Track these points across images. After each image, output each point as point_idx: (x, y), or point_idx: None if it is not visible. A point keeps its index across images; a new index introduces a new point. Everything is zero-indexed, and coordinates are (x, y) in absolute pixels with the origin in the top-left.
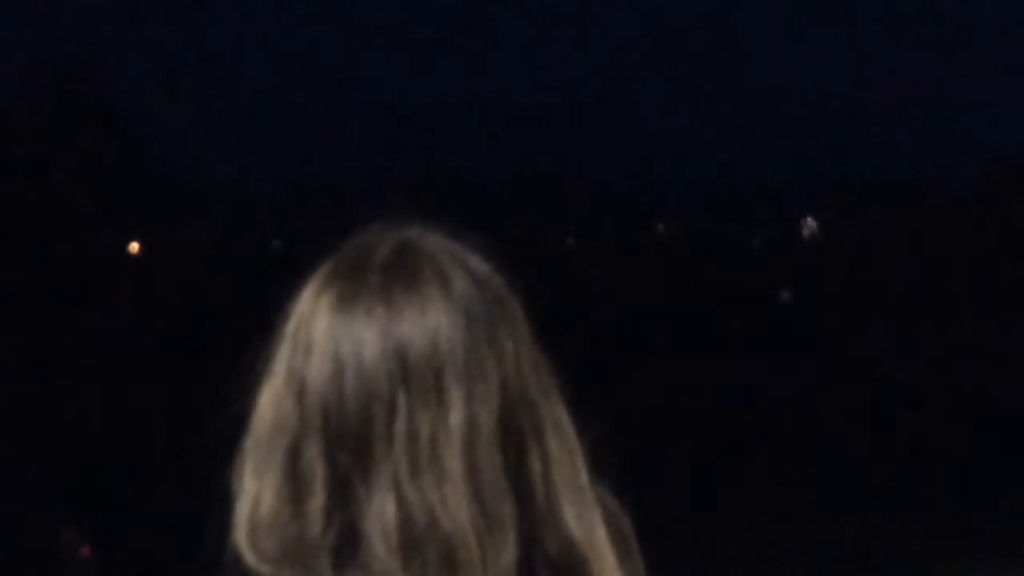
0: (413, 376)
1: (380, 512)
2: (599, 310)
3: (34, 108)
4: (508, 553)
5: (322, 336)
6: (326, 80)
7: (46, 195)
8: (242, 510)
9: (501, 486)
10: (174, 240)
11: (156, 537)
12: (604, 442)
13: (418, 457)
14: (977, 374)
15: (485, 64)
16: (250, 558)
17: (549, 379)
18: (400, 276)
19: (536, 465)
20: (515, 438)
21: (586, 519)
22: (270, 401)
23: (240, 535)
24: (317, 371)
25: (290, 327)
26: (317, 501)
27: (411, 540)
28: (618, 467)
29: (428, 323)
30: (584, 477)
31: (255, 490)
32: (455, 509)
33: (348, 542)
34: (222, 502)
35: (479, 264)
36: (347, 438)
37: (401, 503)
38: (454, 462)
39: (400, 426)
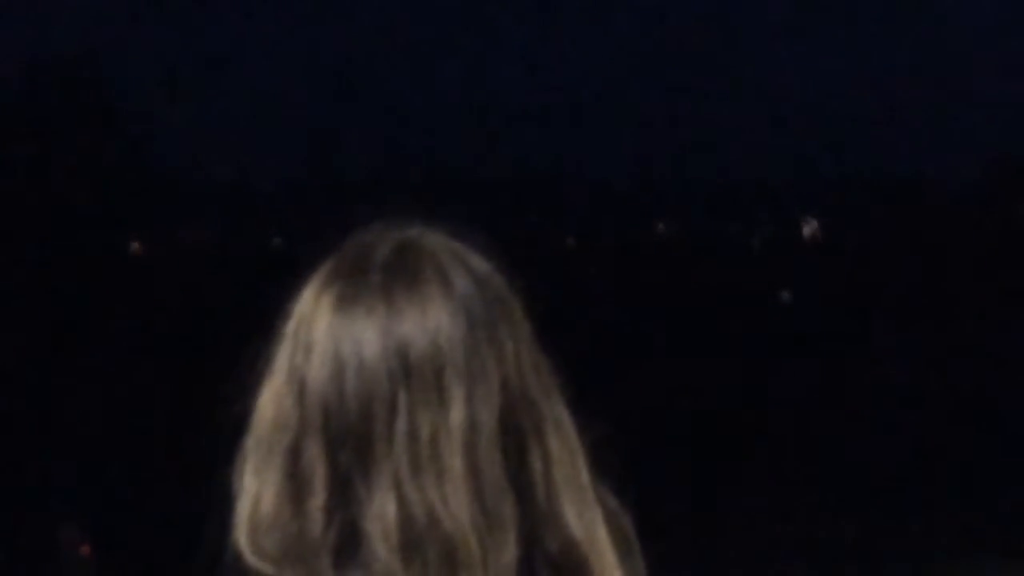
0: (414, 375)
1: (381, 511)
2: (599, 310)
3: (34, 108)
4: (509, 552)
5: (323, 335)
6: (326, 80)
7: (46, 195)
8: (243, 509)
9: (502, 485)
10: (174, 240)
11: (156, 537)
12: (604, 442)
13: (419, 456)
14: (977, 374)
15: (485, 64)
16: (251, 557)
17: (550, 378)
18: (401, 275)
19: (537, 464)
20: (516, 437)
21: (587, 518)
22: (271, 400)
23: (241, 534)
24: (318, 370)
25: (290, 326)
26: (318, 500)
27: (412, 539)
28: (618, 467)
29: (429, 322)
30: (585, 476)
31: (256, 489)
32: (456, 508)
33: (349, 541)
34: (222, 501)
35: (480, 263)
36: (348, 437)
37: (402, 502)
38: (455, 461)
39: (401, 425)
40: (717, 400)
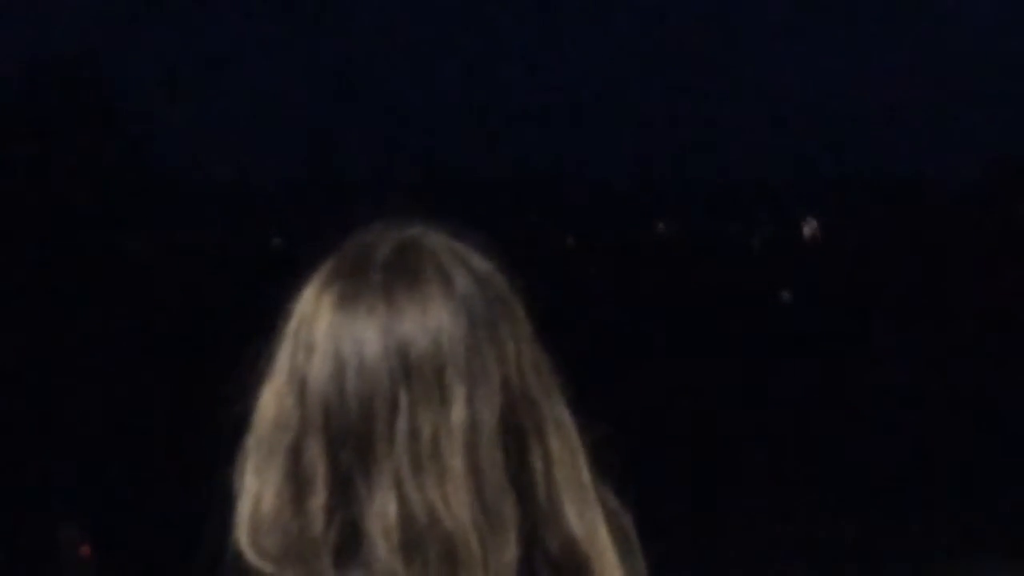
0: (415, 374)
1: (381, 510)
2: (599, 310)
3: (34, 108)
4: (509, 551)
5: (323, 335)
6: (326, 80)
7: (46, 195)
8: (243, 509)
9: (503, 485)
10: (174, 240)
11: (156, 537)
12: (605, 442)
13: (420, 455)
14: (977, 374)
15: (485, 64)
16: (251, 557)
17: (551, 378)
18: (402, 275)
19: (538, 464)
20: (517, 437)
21: (587, 518)
22: (272, 400)
23: (241, 534)
24: (318, 370)
25: (291, 326)
26: (318, 499)
27: (412, 538)
28: (619, 467)
29: (430, 322)
30: (586, 476)
31: (256, 489)
32: (456, 507)
33: (349, 540)
34: (223, 501)
35: (481, 263)
36: (348, 436)
37: (402, 501)
38: (456, 460)
39: (402, 424)
40: (717, 400)
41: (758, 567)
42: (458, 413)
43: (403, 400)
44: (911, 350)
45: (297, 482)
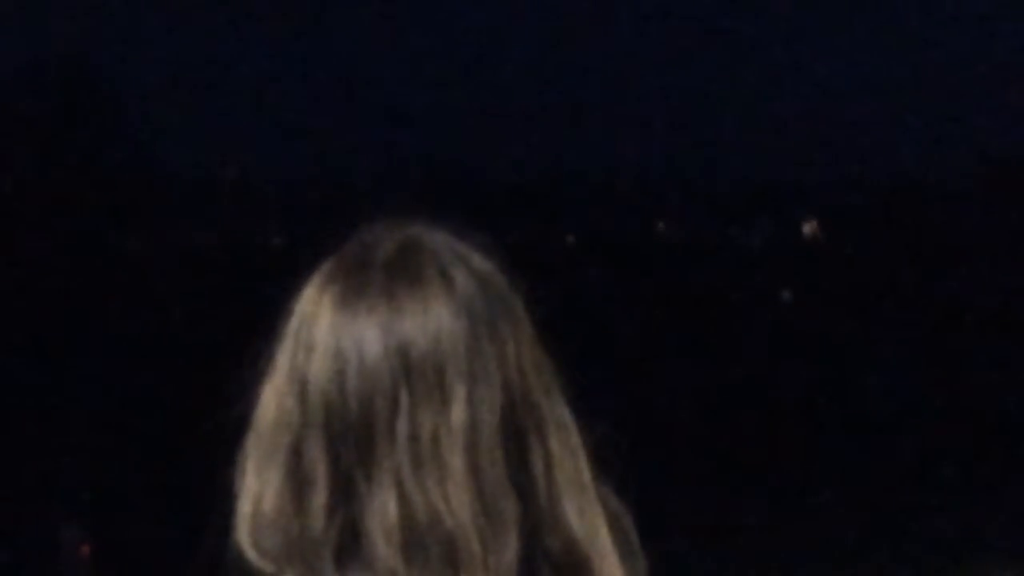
0: (415, 374)
1: (382, 509)
2: (599, 310)
3: (34, 108)
4: (510, 551)
5: (324, 334)
6: (326, 80)
7: (46, 195)
8: (244, 508)
9: (503, 484)
10: (174, 240)
11: (156, 537)
12: (605, 442)
13: (420, 455)
14: (977, 374)
15: (485, 64)
16: (252, 556)
17: (551, 378)
18: (402, 274)
19: (538, 464)
20: (517, 437)
21: (588, 518)
22: (272, 399)
23: (242, 533)
24: (319, 369)
25: (292, 325)
26: (319, 499)
27: (413, 538)
28: (620, 467)
29: (430, 321)
30: (586, 476)
31: (257, 488)
32: (457, 507)
33: (350, 539)
34: (223, 501)
35: (481, 262)
36: (349, 436)
37: (403, 501)
38: (456, 460)
39: (402, 424)
40: (717, 400)
41: (759, 567)
42: (459, 413)
43: (404, 400)
44: (911, 350)
45: (298, 482)
